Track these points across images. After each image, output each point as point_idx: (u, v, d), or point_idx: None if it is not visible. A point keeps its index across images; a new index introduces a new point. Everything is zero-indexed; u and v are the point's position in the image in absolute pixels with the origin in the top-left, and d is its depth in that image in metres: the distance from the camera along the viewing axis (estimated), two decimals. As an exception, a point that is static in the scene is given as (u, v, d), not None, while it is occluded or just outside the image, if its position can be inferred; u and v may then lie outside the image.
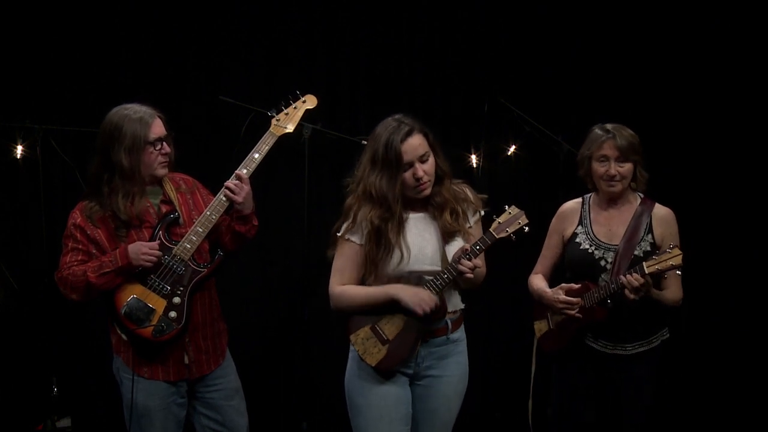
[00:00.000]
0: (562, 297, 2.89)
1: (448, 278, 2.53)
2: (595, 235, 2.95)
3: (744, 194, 4.25)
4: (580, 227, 2.99)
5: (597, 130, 2.93)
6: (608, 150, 2.86)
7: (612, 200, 2.97)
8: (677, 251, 2.70)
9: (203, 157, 4.02)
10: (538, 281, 3.07)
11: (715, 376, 4.32)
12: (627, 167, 2.87)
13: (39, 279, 4.06)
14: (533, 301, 3.10)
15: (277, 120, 2.92)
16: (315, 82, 4.37)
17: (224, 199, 2.78)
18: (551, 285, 3.02)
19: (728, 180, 4.26)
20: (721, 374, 4.31)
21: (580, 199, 3.06)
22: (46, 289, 4.01)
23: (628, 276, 2.74)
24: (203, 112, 4.14)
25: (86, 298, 2.74)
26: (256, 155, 2.85)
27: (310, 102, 2.97)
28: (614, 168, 2.86)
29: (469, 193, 2.68)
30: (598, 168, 2.90)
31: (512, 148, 4.40)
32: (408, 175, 2.53)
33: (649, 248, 2.89)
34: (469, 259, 2.50)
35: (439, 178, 2.60)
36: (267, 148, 2.87)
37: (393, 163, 2.51)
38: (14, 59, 4.07)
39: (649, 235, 2.91)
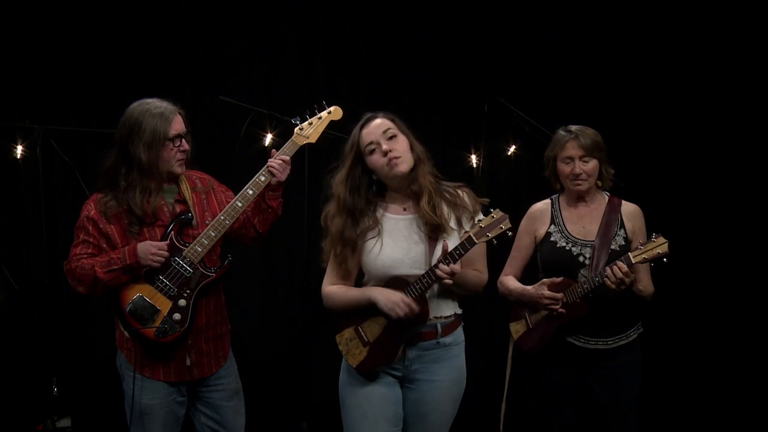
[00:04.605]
0: (547, 293, 2.88)
1: (428, 282, 2.48)
2: (569, 233, 2.98)
3: (741, 194, 4.26)
4: (553, 226, 3.01)
5: (560, 132, 3.00)
6: (572, 150, 2.92)
7: (581, 199, 3.01)
8: (662, 239, 2.75)
9: (203, 157, 4.01)
10: (512, 282, 3.06)
11: (708, 375, 4.33)
12: (592, 165, 2.93)
13: (39, 279, 4.07)
14: (507, 303, 3.09)
15: (300, 129, 2.89)
16: (315, 82, 4.39)
17: (240, 205, 2.76)
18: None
19: (725, 180, 4.27)
20: (715, 373, 4.32)
21: (548, 200, 3.09)
22: (46, 289, 4.03)
23: (614, 267, 2.77)
24: (203, 112, 4.14)
25: (93, 293, 2.73)
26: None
27: (335, 113, 2.92)
28: (579, 167, 2.92)
29: (467, 198, 2.63)
30: (564, 168, 2.95)
31: (512, 148, 4.40)
32: (376, 156, 2.53)
33: (623, 242, 2.94)
34: (447, 264, 2.45)
35: (416, 162, 2.57)
36: (288, 154, 2.85)
37: (355, 150, 2.56)
38: (14, 59, 4.07)
39: (622, 230, 2.96)
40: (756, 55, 4.15)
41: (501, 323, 4.36)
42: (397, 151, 2.51)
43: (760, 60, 4.14)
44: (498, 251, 2.69)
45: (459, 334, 2.67)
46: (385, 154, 2.50)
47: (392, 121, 2.57)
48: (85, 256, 2.72)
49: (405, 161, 2.53)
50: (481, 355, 4.25)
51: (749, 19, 4.15)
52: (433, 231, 2.55)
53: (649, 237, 2.81)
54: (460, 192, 2.64)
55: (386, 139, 2.52)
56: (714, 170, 4.26)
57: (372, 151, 2.53)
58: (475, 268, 2.63)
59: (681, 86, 4.29)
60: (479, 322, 4.31)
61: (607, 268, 2.79)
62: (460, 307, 2.67)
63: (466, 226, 2.57)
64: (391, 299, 2.47)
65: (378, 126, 2.54)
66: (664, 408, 4.25)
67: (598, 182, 2.98)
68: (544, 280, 2.91)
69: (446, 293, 2.60)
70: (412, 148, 2.56)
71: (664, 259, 2.74)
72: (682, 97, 4.29)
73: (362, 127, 2.56)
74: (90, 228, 2.73)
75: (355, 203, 2.57)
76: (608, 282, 2.78)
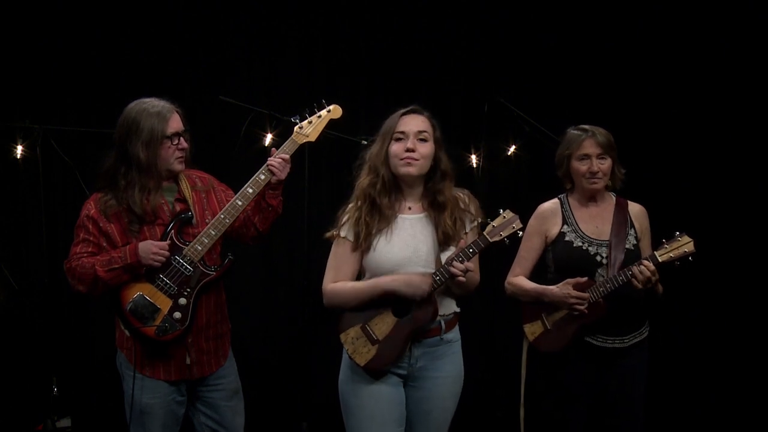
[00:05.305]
0: (574, 293, 2.87)
1: (440, 280, 2.50)
2: (584, 233, 2.98)
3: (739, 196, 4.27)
4: (566, 226, 3.00)
5: (574, 131, 3.00)
6: (589, 148, 2.93)
7: (592, 199, 3.02)
8: (687, 238, 2.78)
9: (203, 157, 4.01)
10: (527, 282, 3.04)
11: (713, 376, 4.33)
12: (607, 164, 2.95)
13: (39, 279, 4.07)
14: (519, 304, 3.07)
15: (299, 128, 2.89)
16: (315, 82, 4.39)
17: (240, 203, 2.76)
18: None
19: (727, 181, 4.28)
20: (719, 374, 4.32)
21: (556, 200, 3.08)
22: (46, 289, 4.02)
23: (641, 266, 2.78)
24: (203, 112, 4.14)
25: (93, 292, 2.73)
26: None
27: (335, 112, 2.92)
28: (596, 165, 2.92)
29: (471, 204, 2.66)
30: (580, 166, 2.95)
31: (512, 148, 4.41)
32: (399, 145, 2.55)
33: (635, 241, 2.96)
34: (462, 262, 2.48)
35: (442, 175, 2.60)
36: (288, 153, 2.84)
37: (388, 130, 2.57)
38: (14, 59, 4.08)
39: (632, 230, 2.98)
40: (756, 55, 4.16)
41: (501, 323, 4.40)
42: (419, 153, 2.54)
43: (760, 60, 4.14)
44: (494, 254, 2.69)
45: (457, 330, 2.70)
46: (407, 150, 2.53)
47: (432, 126, 2.60)
48: (85, 254, 2.72)
49: (417, 166, 2.56)
50: (479, 355, 4.25)
51: (749, 19, 4.15)
52: (446, 237, 2.58)
53: (670, 237, 2.81)
54: (467, 199, 2.67)
55: (416, 139, 2.55)
56: (714, 170, 4.26)
57: (398, 139, 2.56)
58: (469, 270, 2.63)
59: (681, 86, 4.30)
60: (479, 322, 4.31)
61: (634, 267, 2.80)
62: (458, 306, 2.69)
63: (467, 228, 2.62)
64: (411, 283, 2.49)
65: (417, 123, 2.57)
66: (663, 407, 4.25)
67: (609, 182, 2.99)
68: (569, 280, 2.90)
69: (447, 292, 2.62)
70: (436, 160, 2.59)
71: (690, 258, 2.75)
72: (682, 97, 4.30)
73: (404, 114, 2.59)
74: (90, 227, 2.73)
75: (394, 181, 2.59)
76: (635, 281, 2.79)
